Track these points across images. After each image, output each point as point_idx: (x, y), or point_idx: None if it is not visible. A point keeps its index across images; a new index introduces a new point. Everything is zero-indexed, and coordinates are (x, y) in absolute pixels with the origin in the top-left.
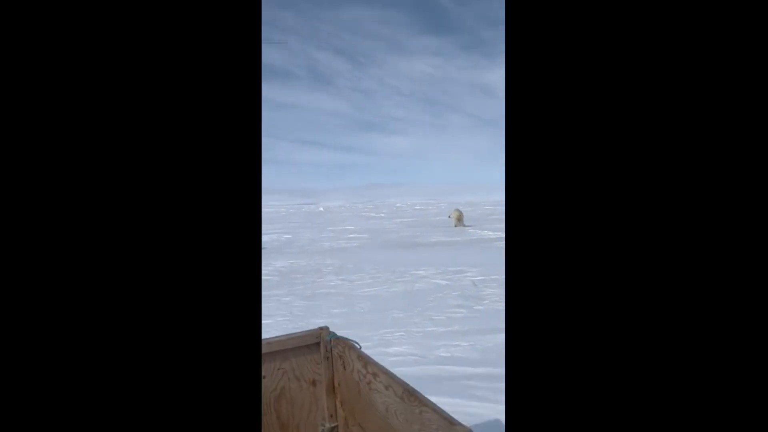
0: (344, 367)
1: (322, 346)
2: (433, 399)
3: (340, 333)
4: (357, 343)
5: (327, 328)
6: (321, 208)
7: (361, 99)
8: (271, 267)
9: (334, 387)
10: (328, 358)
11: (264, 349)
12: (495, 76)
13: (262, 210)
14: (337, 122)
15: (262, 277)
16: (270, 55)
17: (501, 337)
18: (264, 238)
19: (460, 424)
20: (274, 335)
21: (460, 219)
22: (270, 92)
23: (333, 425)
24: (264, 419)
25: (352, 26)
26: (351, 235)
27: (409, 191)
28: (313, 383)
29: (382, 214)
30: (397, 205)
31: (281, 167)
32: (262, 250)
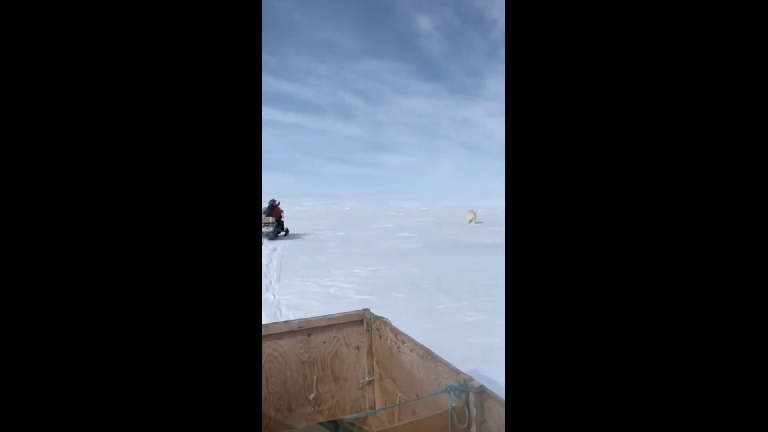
0: (380, 336)
1: (365, 322)
2: None
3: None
4: (389, 321)
5: (369, 309)
6: (348, 207)
7: (373, 127)
8: (357, 279)
9: (372, 351)
10: (368, 330)
11: (324, 323)
12: (472, 113)
13: (303, 208)
14: (355, 144)
15: (358, 297)
16: (307, 94)
17: None
18: (320, 234)
19: (463, 373)
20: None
21: (473, 218)
22: (306, 121)
23: (370, 378)
24: (323, 372)
25: (367, 73)
26: (402, 234)
27: (406, 197)
28: (357, 348)
29: (402, 214)
30: (405, 206)
31: (313, 177)
32: (320, 244)
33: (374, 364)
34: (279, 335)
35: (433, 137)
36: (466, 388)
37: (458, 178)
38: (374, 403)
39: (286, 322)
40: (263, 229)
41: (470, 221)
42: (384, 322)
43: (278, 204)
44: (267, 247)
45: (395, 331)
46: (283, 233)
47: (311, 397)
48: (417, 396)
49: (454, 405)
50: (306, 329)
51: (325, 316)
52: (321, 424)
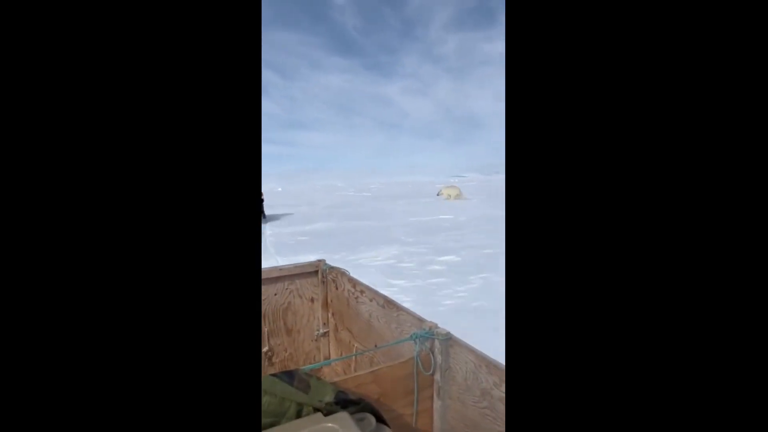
0: (336, 287)
1: (320, 273)
2: None
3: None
4: (347, 271)
5: (324, 260)
6: (279, 189)
7: (290, 103)
8: None
9: (327, 303)
10: (324, 281)
11: (275, 274)
12: (389, 90)
13: None
14: (270, 122)
15: None
16: None
17: None
18: (303, 235)
19: (428, 321)
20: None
21: (459, 195)
22: None
23: (325, 330)
24: (274, 325)
25: (279, 46)
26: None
27: (328, 175)
28: (312, 300)
29: (357, 193)
30: (338, 185)
31: None
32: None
33: (329, 315)
34: None
35: (351, 114)
36: (431, 335)
37: (374, 154)
38: (329, 354)
39: None
40: None
41: (452, 198)
42: (341, 272)
43: None
44: None
45: (353, 281)
46: (263, 219)
47: (264, 350)
48: (375, 346)
49: (419, 352)
50: None
51: (276, 267)
52: (273, 375)
